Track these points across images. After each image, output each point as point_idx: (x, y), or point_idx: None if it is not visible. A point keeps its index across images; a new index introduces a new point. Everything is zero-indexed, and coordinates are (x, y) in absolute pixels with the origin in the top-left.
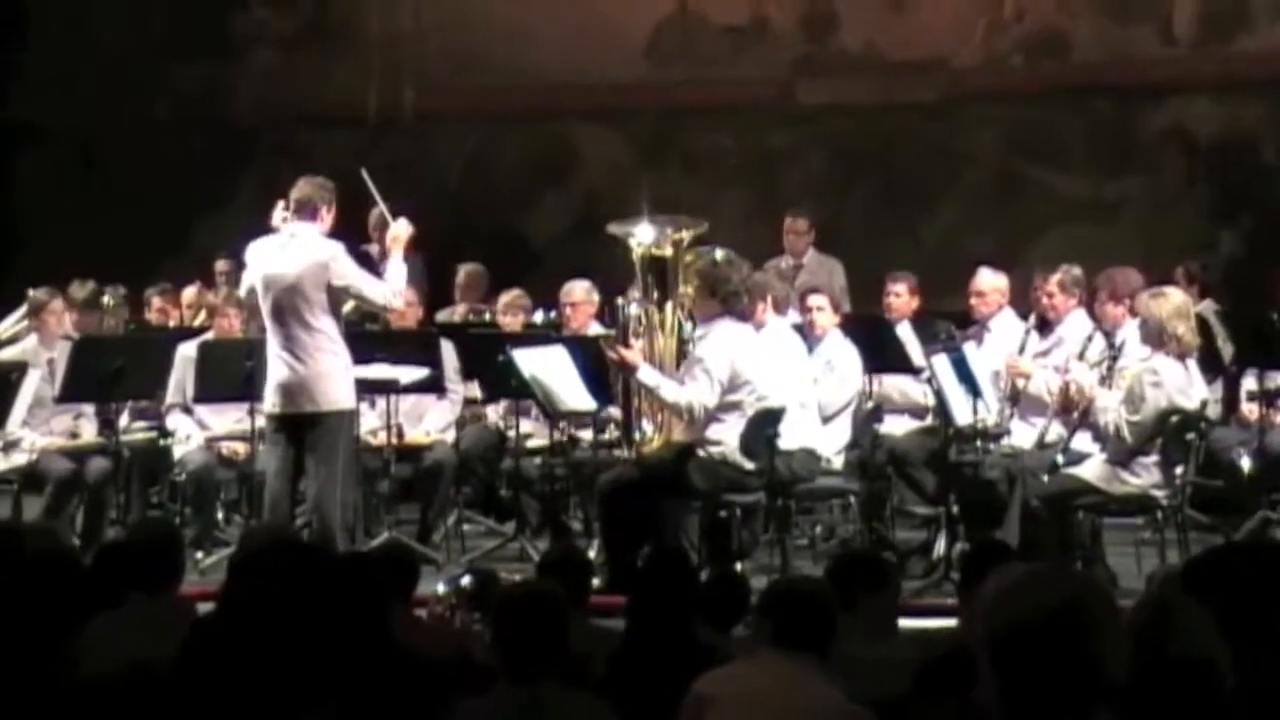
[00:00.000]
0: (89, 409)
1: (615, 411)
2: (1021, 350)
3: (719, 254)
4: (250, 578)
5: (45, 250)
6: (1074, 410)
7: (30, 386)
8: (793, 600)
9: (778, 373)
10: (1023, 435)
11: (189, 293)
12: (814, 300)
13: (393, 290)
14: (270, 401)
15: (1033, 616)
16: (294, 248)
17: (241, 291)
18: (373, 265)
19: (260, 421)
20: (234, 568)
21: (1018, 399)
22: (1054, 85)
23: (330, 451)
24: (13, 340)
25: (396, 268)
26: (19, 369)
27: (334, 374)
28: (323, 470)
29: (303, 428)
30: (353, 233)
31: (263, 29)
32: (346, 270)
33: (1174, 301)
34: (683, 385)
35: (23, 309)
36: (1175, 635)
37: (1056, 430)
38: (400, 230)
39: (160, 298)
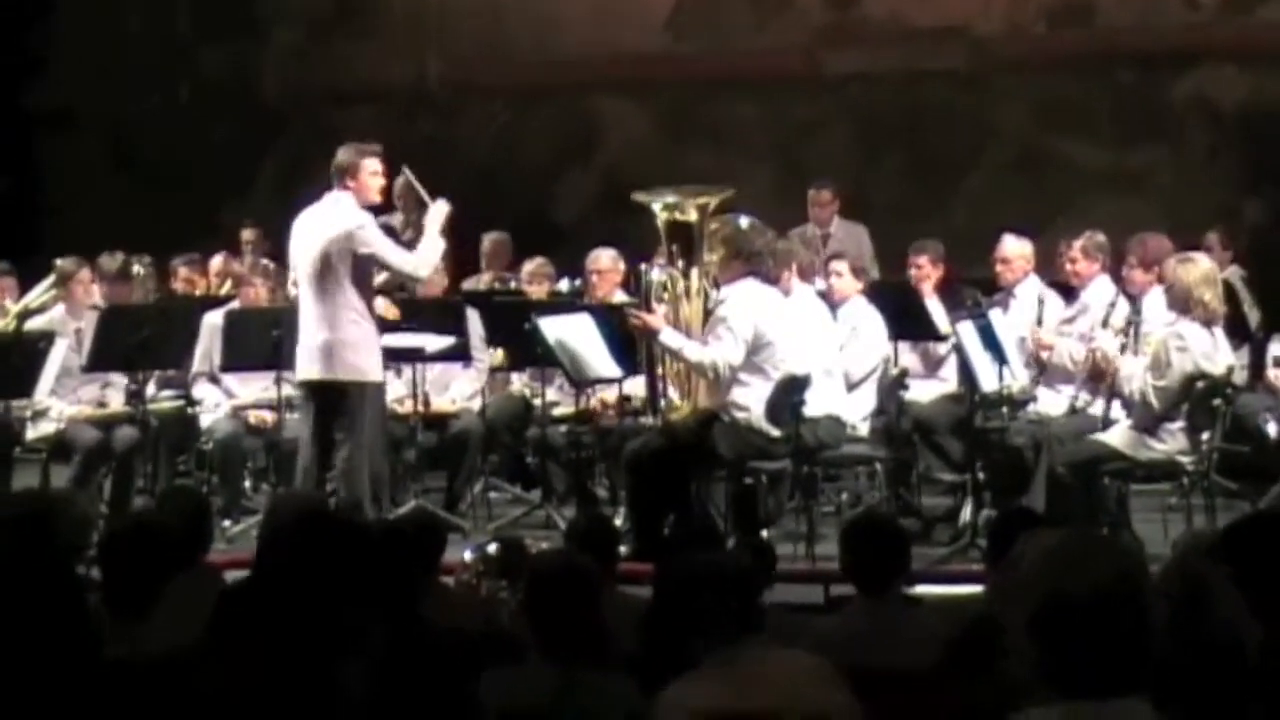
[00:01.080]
0: (116, 378)
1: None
2: (1040, 321)
3: (744, 220)
4: (279, 546)
5: (73, 233)
6: (1103, 378)
7: (58, 356)
8: (720, 588)
9: (802, 338)
10: (1049, 402)
11: (216, 262)
12: (834, 265)
13: (423, 260)
14: (300, 369)
15: (1084, 588)
16: (324, 217)
17: (291, 287)
18: (394, 235)
19: (287, 390)
20: (262, 537)
21: (1044, 367)
22: (1077, 53)
23: (357, 421)
24: (40, 310)
25: (432, 242)
26: (46, 338)
27: (362, 344)
28: (350, 439)
29: (331, 396)
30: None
31: (288, 9)
32: (372, 238)
33: (1201, 267)
34: (706, 345)
35: (50, 279)
36: (1205, 609)
37: (1084, 397)
38: (440, 209)
39: (187, 268)
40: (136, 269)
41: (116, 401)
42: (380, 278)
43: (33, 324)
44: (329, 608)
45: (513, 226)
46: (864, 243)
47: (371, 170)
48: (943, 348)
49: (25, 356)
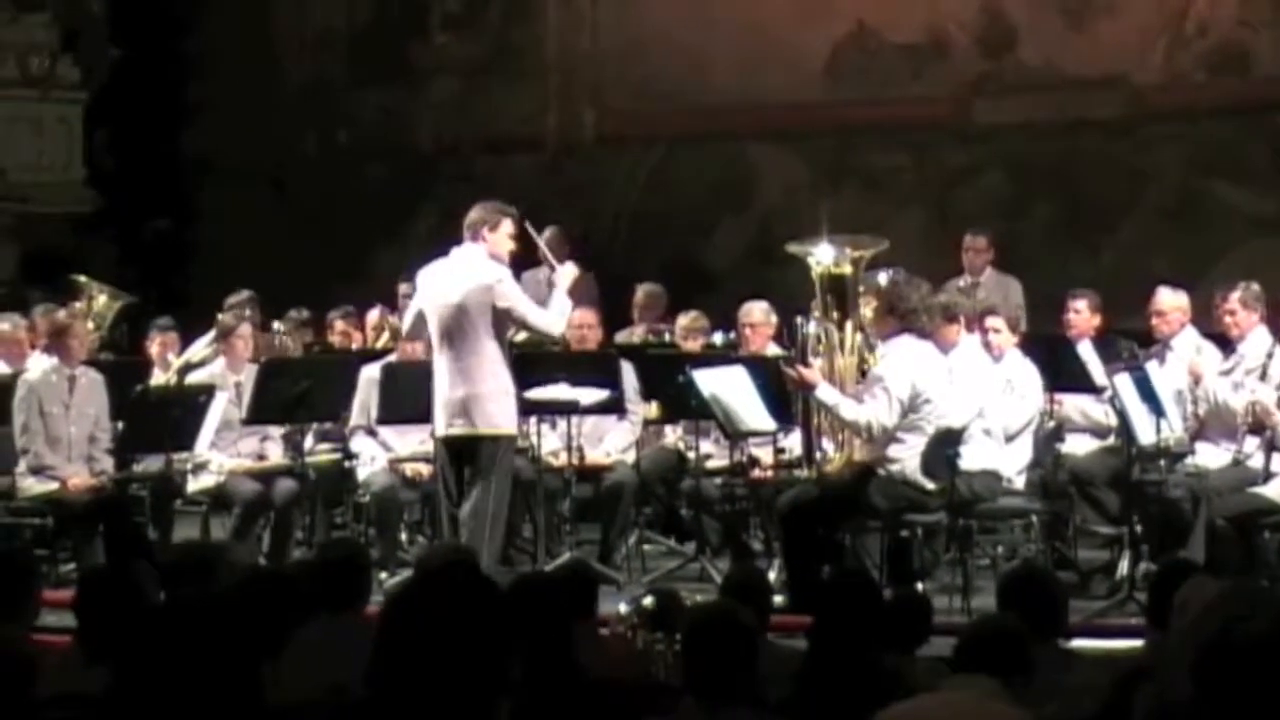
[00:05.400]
0: (275, 431)
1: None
2: (1263, 375)
3: (900, 274)
4: (422, 598)
5: (229, 279)
6: (1263, 430)
7: (218, 409)
8: (984, 629)
9: (961, 392)
10: (1207, 455)
11: (373, 315)
12: (991, 321)
13: (556, 318)
14: (441, 425)
15: (1248, 637)
16: (460, 270)
17: (405, 323)
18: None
19: None
20: (399, 595)
21: (1202, 422)
22: (1236, 101)
23: (485, 474)
24: (201, 364)
25: (562, 301)
26: (207, 392)
27: (497, 397)
28: (477, 491)
29: (465, 449)
30: (523, 256)
31: (443, 57)
32: (510, 293)
33: None
34: (862, 404)
35: (211, 333)
36: None
37: (1247, 450)
38: (569, 271)
39: (343, 320)
40: (278, 326)
41: (275, 454)
42: (521, 335)
43: (193, 378)
44: (479, 659)
45: (664, 274)
46: (1013, 293)
47: (507, 231)
48: (1110, 414)
49: (186, 410)
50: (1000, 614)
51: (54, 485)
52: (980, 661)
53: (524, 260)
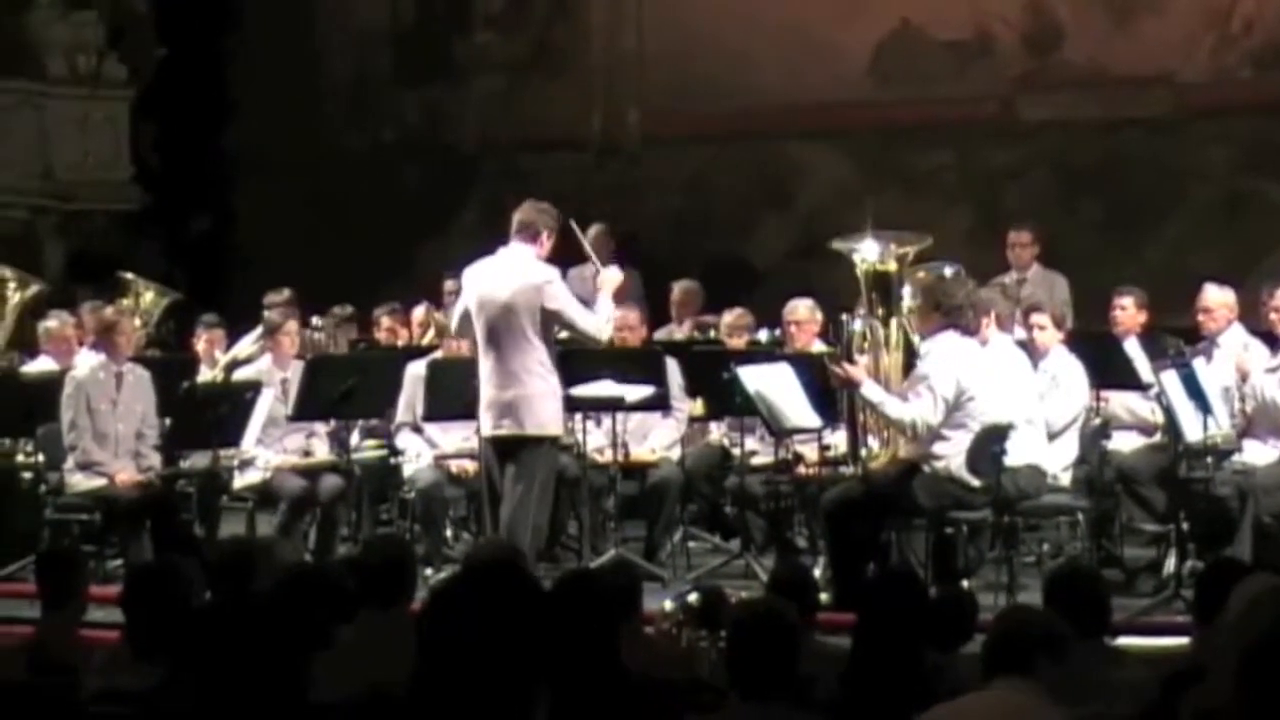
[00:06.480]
0: (321, 428)
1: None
2: None
3: (947, 270)
4: (465, 595)
5: (274, 275)
6: None
7: (264, 405)
8: (1021, 626)
9: (1003, 389)
10: (1254, 452)
11: (418, 312)
12: (1036, 318)
13: (602, 323)
14: (488, 426)
15: None
16: (509, 270)
17: (453, 322)
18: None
19: None
20: (441, 590)
21: (1249, 422)
22: None
23: (528, 475)
24: (248, 360)
25: (606, 306)
26: (254, 388)
27: (543, 397)
28: (518, 491)
29: (510, 449)
30: (569, 253)
31: (487, 55)
32: (559, 294)
33: None
34: (907, 402)
35: (258, 330)
36: None
37: None
38: (613, 276)
39: (389, 317)
40: (317, 321)
41: (321, 451)
42: (564, 334)
43: (240, 374)
44: (523, 656)
45: (707, 272)
46: (1059, 289)
47: (555, 238)
48: (1157, 411)
49: (233, 406)
50: (1021, 611)
51: (102, 481)
52: (1006, 661)
53: (568, 258)
